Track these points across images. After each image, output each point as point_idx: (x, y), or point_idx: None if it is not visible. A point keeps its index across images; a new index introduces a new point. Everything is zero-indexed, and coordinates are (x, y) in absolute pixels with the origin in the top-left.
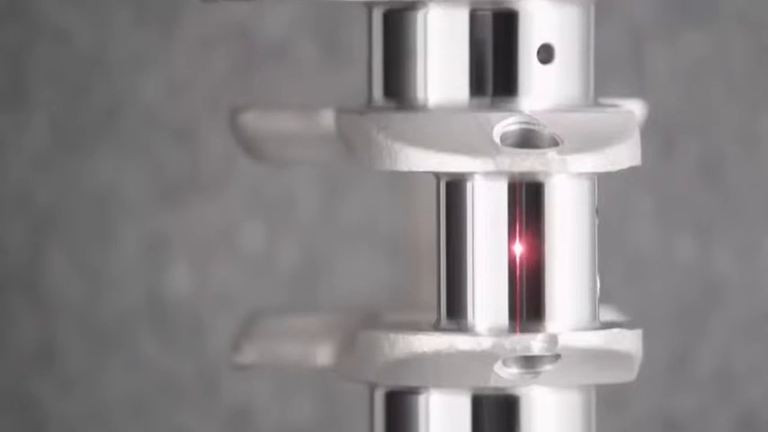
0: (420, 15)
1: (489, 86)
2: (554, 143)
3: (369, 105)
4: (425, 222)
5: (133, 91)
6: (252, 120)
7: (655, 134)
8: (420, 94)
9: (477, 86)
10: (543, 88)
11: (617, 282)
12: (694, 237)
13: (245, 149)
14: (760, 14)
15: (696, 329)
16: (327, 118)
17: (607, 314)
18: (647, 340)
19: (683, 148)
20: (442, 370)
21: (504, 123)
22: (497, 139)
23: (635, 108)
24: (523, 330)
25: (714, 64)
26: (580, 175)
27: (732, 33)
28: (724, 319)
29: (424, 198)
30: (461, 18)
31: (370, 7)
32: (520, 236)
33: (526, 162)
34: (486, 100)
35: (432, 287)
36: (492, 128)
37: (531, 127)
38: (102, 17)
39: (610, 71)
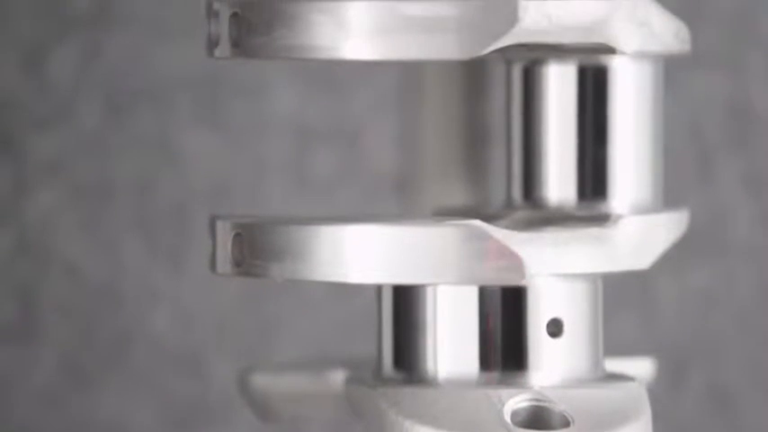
0: (429, 290)
1: (499, 361)
2: (565, 422)
3: (378, 376)
4: None
5: (142, 323)
6: (262, 382)
7: (663, 365)
8: (430, 367)
9: (486, 361)
10: (553, 362)
11: None
12: None
13: (255, 411)
14: (766, 246)
15: None
16: (338, 378)
17: None
18: None
19: (692, 379)
20: None
21: (515, 401)
22: (508, 418)
23: (644, 366)
24: None
25: (721, 296)
26: None
27: (738, 266)
28: None
29: None
30: (470, 293)
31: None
32: None
33: None
34: (496, 375)
35: None
36: (503, 405)
37: (542, 404)
38: (111, 250)
39: (618, 303)
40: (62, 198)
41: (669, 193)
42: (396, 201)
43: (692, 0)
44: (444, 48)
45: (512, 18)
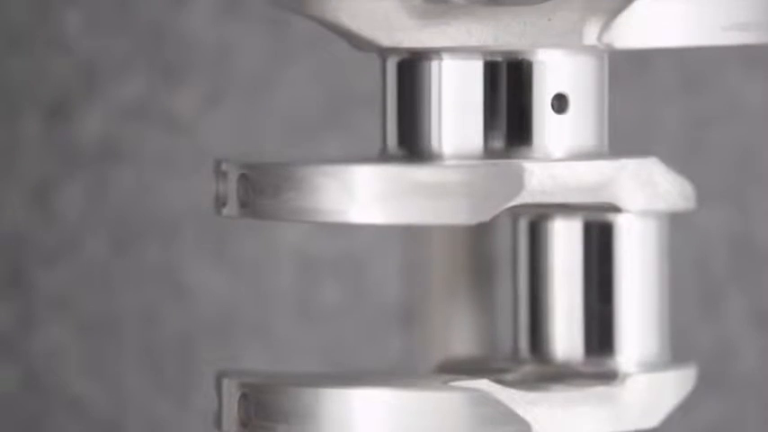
0: None
1: None
2: None
3: None
4: None
5: None
6: None
7: None
8: None
9: None
10: None
11: None
12: None
13: None
14: None
15: None
16: None
17: None
18: None
19: None
20: None
21: None
22: None
23: None
24: None
25: (728, 429)
26: None
27: (746, 401)
28: None
29: None
30: None
31: None
32: None
33: None
34: None
35: None
36: None
37: None
38: (117, 384)
39: None
40: (68, 332)
41: (675, 328)
42: (401, 333)
43: (695, 135)
44: (451, 213)
45: (518, 183)
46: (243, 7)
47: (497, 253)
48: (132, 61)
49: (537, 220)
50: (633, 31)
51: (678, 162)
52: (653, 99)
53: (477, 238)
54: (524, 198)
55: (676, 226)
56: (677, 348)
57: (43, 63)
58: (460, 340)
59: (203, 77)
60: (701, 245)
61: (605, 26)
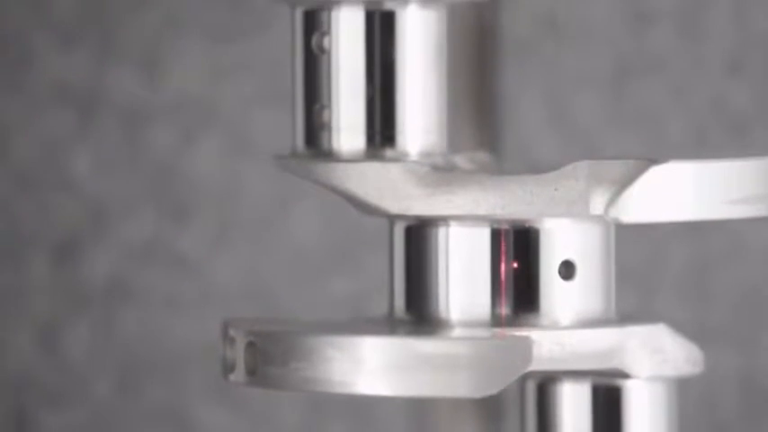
0: None
1: None
2: None
3: None
4: None
5: None
6: None
7: None
8: None
9: None
10: None
11: None
12: None
13: None
14: None
15: None
16: None
17: None
18: None
19: None
20: None
21: None
22: None
23: None
24: None
25: None
26: None
27: None
28: None
29: None
30: None
31: None
32: None
33: None
34: None
35: None
36: None
37: None
38: None
39: None
40: None
41: None
42: None
43: (700, 277)
44: (458, 386)
45: (526, 355)
46: (250, 147)
47: (504, 396)
48: (139, 201)
49: (545, 382)
50: (639, 206)
51: (684, 303)
52: (658, 240)
53: None
54: (533, 367)
55: None
56: None
57: (51, 203)
58: None
59: (210, 217)
60: (710, 385)
61: (612, 199)
